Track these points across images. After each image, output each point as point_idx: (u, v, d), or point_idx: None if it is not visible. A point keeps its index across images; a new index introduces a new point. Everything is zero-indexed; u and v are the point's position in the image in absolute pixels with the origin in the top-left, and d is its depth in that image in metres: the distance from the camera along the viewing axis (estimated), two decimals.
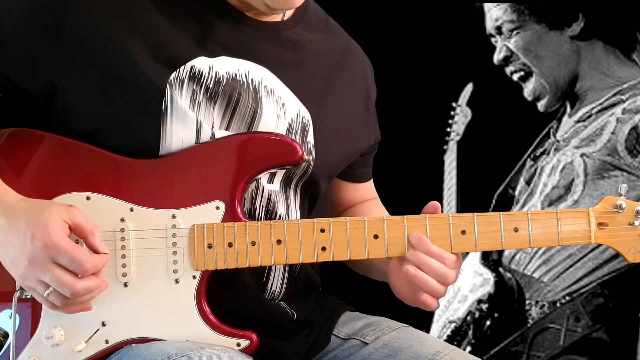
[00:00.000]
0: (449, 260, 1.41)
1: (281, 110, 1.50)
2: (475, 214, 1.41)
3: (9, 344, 1.40)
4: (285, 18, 1.56)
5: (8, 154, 1.45)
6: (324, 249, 1.41)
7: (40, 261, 1.30)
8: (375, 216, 1.43)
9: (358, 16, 2.36)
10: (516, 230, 1.40)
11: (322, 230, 1.41)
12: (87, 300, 1.35)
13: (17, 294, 1.38)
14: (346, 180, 1.73)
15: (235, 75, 1.47)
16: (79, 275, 1.30)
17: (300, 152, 1.44)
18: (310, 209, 1.59)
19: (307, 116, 1.53)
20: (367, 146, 1.69)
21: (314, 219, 1.42)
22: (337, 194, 1.73)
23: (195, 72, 1.44)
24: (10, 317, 1.39)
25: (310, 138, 1.53)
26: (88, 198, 1.41)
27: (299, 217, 1.55)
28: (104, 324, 1.40)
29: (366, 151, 1.71)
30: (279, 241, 1.41)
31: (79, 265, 1.30)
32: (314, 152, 1.53)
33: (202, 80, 1.44)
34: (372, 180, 1.80)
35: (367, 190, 1.78)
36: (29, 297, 1.38)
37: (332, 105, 1.58)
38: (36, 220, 1.31)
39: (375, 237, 1.41)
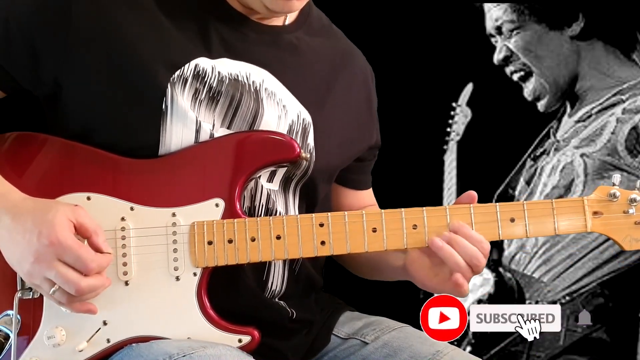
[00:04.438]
0: (486, 247, 1.40)
1: (282, 111, 1.51)
2: (472, 205, 1.42)
3: (10, 344, 1.40)
4: (287, 22, 1.57)
5: (11, 158, 1.46)
6: (323, 243, 1.42)
7: (46, 258, 1.31)
8: (373, 210, 1.44)
9: (358, 16, 2.37)
10: (512, 220, 1.41)
11: (321, 225, 1.42)
12: (92, 298, 1.35)
13: (18, 295, 1.38)
14: (345, 187, 1.73)
15: (237, 76, 1.48)
16: (84, 274, 1.32)
17: (298, 150, 1.45)
18: (308, 212, 1.58)
19: (308, 118, 1.53)
20: (367, 146, 1.69)
21: (313, 214, 1.43)
22: (336, 200, 1.73)
23: (199, 71, 1.44)
24: (12, 318, 1.39)
25: (311, 140, 1.53)
26: (89, 198, 1.41)
27: None
28: (105, 323, 1.40)
29: (365, 155, 1.70)
30: (278, 236, 1.41)
31: (84, 264, 1.31)
32: (314, 154, 1.53)
33: (205, 79, 1.45)
34: (371, 189, 1.79)
35: (366, 197, 1.77)
36: (30, 297, 1.38)
37: (332, 108, 1.58)
38: (42, 219, 1.32)
39: (374, 230, 1.42)
